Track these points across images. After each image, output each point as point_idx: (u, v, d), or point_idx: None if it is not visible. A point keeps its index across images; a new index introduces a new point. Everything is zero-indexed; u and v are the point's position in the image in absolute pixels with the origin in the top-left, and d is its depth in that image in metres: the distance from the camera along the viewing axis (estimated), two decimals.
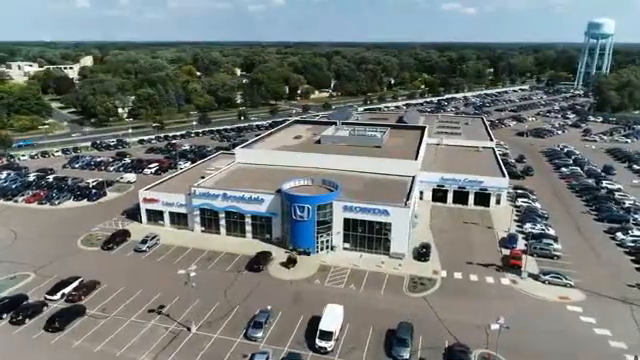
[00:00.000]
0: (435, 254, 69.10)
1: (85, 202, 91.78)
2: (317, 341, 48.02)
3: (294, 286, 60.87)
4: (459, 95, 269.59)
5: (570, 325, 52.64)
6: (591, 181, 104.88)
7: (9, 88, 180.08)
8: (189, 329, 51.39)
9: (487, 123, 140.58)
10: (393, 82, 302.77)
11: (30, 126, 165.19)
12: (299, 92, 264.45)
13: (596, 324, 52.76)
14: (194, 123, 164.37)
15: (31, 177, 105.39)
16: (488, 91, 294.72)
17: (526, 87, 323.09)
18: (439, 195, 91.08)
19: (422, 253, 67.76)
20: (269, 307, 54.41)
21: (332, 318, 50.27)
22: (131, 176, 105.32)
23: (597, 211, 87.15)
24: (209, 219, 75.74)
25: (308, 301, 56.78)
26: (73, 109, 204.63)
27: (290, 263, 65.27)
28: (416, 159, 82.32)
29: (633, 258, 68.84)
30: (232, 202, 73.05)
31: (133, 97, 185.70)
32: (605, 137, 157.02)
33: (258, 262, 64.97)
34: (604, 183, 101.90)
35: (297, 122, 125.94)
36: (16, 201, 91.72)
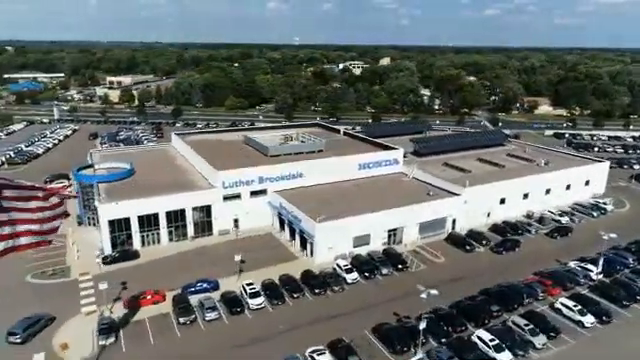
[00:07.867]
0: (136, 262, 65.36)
1: None
2: None
3: None
4: None
5: None
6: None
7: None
8: None
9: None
10: None
11: (235, 106, 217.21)
12: (525, 105, 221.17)
13: None
14: (317, 118, 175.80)
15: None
16: None
17: None
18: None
19: (111, 256, 65.70)
20: None
21: None
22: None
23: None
24: None
25: None
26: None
27: None
28: (219, 170, 72.41)
29: None
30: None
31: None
32: None
33: None
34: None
35: (316, 125, 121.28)
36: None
